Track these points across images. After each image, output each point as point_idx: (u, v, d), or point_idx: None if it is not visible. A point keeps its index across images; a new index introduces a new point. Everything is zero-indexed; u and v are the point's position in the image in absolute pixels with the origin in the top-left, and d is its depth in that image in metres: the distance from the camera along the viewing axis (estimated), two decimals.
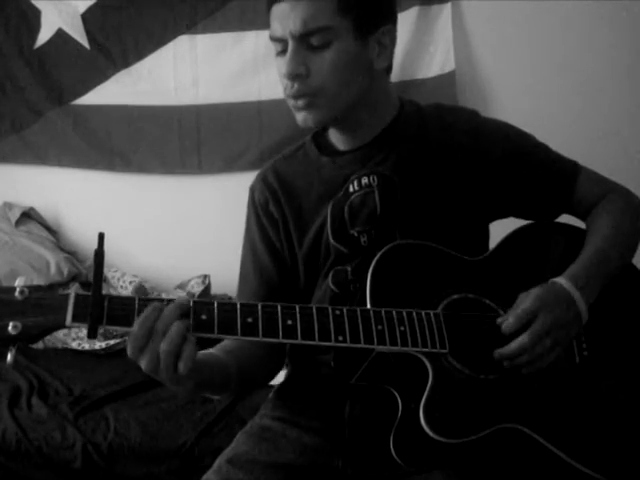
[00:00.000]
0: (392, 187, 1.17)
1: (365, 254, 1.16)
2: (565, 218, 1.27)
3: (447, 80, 2.56)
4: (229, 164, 2.81)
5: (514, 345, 1.05)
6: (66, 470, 1.80)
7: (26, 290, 0.88)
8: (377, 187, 1.17)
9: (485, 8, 2.56)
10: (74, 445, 1.81)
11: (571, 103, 2.53)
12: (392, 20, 1.17)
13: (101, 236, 0.91)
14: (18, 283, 0.89)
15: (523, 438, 1.04)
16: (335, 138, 1.24)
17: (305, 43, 1.09)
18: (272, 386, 1.34)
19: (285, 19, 1.09)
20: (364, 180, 1.18)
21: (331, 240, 1.18)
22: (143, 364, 0.91)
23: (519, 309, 1.06)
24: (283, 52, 1.12)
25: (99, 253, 0.90)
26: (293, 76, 1.10)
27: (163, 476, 1.78)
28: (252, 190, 1.28)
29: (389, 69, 1.21)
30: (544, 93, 2.54)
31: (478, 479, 1.07)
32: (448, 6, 2.55)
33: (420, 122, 1.22)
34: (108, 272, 2.73)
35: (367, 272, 1.08)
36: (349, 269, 1.17)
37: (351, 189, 1.18)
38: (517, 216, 1.27)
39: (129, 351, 0.91)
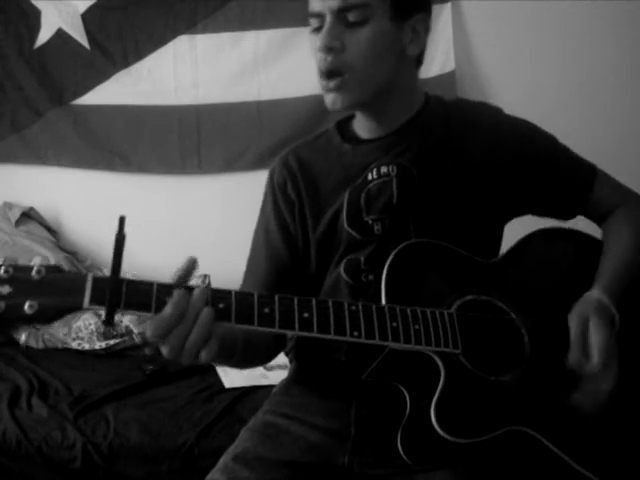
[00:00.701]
0: (410, 179, 1.18)
1: (378, 242, 1.17)
2: (573, 223, 1.28)
3: (447, 80, 2.57)
4: (229, 164, 2.81)
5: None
6: (66, 470, 1.80)
7: (43, 270, 0.86)
8: (395, 177, 1.18)
9: (485, 8, 2.56)
10: (74, 445, 1.81)
11: (571, 103, 2.53)
12: (428, 10, 1.21)
13: (122, 219, 0.89)
14: (35, 262, 0.87)
15: (530, 441, 1.04)
16: (359, 126, 1.25)
17: (342, 19, 1.11)
18: (273, 385, 1.34)
19: None
20: (383, 169, 1.19)
21: (345, 226, 1.19)
22: (166, 348, 0.89)
23: (599, 346, 1.06)
24: (319, 29, 1.13)
25: (120, 237, 0.88)
26: (328, 49, 1.12)
27: (163, 476, 1.78)
28: (271, 172, 1.29)
29: (419, 60, 1.22)
30: (544, 93, 2.54)
31: (483, 479, 1.08)
32: (448, 6, 2.56)
33: (444, 117, 1.24)
34: (108, 272, 2.72)
35: (381, 266, 1.08)
36: (362, 258, 1.18)
37: (370, 177, 1.19)
38: (533, 214, 1.27)
39: (152, 333, 0.87)
